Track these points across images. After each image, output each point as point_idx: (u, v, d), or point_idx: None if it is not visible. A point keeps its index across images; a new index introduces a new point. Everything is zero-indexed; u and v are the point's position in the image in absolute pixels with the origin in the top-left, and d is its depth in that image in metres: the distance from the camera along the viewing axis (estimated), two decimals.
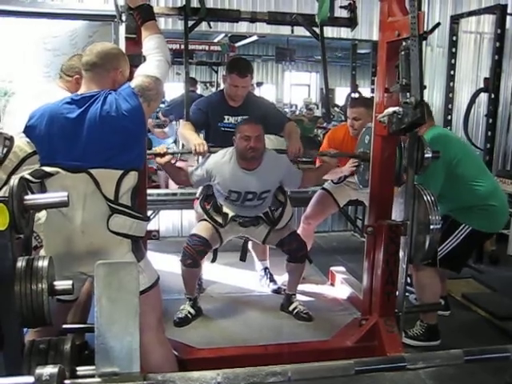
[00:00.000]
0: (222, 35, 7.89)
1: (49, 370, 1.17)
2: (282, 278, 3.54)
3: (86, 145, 2.00)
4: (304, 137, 4.26)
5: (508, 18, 4.81)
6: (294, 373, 1.26)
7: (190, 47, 4.90)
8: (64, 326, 2.19)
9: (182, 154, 4.08)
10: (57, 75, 2.93)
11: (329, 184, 3.75)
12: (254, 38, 8.49)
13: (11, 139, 2.29)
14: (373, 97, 2.90)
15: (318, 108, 10.55)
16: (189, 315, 3.10)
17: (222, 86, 3.68)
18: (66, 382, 1.20)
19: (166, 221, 5.09)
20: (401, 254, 2.70)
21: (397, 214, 2.77)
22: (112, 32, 4.37)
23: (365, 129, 3.15)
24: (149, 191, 2.97)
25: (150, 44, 2.23)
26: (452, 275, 3.40)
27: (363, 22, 4.80)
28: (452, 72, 5.20)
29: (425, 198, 2.58)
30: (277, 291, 3.53)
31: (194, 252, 3.01)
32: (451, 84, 5.23)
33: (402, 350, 2.66)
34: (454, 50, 5.17)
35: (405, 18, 2.39)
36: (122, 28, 2.68)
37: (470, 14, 5.15)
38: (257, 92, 8.73)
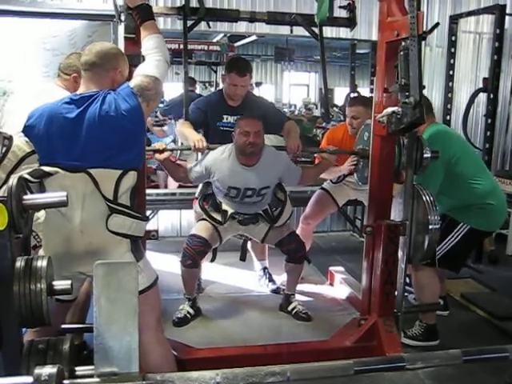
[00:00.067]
0: (221, 35, 7.89)
1: (48, 370, 1.17)
2: (281, 278, 3.53)
3: (84, 144, 2.00)
4: (303, 137, 4.26)
5: (507, 18, 4.82)
6: (293, 373, 1.26)
7: (189, 47, 4.88)
8: (63, 325, 2.19)
9: (181, 155, 4.08)
10: (56, 75, 2.93)
11: (328, 184, 3.75)
12: (253, 37, 8.49)
13: (10, 138, 2.29)
14: (372, 97, 2.90)
15: (317, 108, 10.54)
16: (188, 315, 3.10)
17: (221, 86, 3.68)
18: (64, 382, 1.20)
19: (164, 221, 5.09)
20: (400, 253, 2.70)
21: (396, 213, 2.77)
22: (111, 32, 4.36)
23: (364, 126, 3.15)
24: (148, 191, 2.97)
25: (149, 44, 2.23)
26: (451, 275, 3.40)
27: (362, 22, 4.82)
28: (451, 72, 5.21)
29: (424, 198, 2.58)
30: (276, 291, 3.53)
31: (194, 253, 3.01)
32: (450, 84, 5.24)
33: (401, 349, 2.66)
34: (453, 50, 5.18)
35: (404, 18, 2.39)
36: (121, 28, 2.68)
37: (469, 14, 5.15)
38: (256, 92, 8.71)
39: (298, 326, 3.10)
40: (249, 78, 3.26)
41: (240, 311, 3.29)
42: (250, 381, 1.23)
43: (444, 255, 3.01)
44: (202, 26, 3.23)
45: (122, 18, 2.57)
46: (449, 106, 5.24)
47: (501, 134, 5.50)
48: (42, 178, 1.98)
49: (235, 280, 3.76)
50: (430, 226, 2.54)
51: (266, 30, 4.80)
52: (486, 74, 5.02)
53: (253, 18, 3.30)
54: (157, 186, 5.62)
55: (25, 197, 1.59)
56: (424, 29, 2.32)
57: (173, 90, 7.40)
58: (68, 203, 1.67)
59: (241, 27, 4.80)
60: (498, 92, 4.80)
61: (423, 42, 2.61)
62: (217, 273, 3.75)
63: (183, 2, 3.00)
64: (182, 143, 3.96)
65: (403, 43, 2.35)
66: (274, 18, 3.29)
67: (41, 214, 2.19)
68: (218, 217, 3.11)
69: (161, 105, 6.31)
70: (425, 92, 2.47)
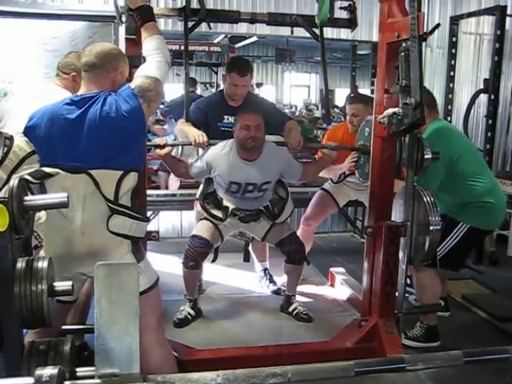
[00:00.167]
0: (222, 36, 7.88)
1: (48, 371, 1.17)
2: (282, 279, 3.53)
3: (85, 146, 2.00)
4: (304, 138, 4.26)
5: (508, 19, 4.82)
6: (293, 374, 1.26)
7: (190, 48, 4.90)
8: (63, 326, 2.19)
9: (182, 155, 4.08)
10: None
11: (328, 184, 3.75)
12: (254, 38, 8.48)
13: (11, 139, 2.29)
14: (372, 97, 2.90)
15: (317, 109, 10.54)
16: (188, 316, 3.10)
17: (221, 87, 3.68)
18: (65, 383, 1.20)
19: (165, 222, 5.09)
20: (400, 254, 2.70)
21: (396, 214, 2.77)
22: (112, 33, 4.37)
23: (364, 122, 3.16)
24: (148, 192, 2.96)
25: (150, 45, 2.23)
26: (452, 276, 3.40)
27: (363, 23, 4.81)
28: (452, 73, 5.21)
29: (424, 199, 2.58)
30: (276, 292, 3.53)
31: (196, 254, 3.01)
32: (451, 85, 5.24)
33: (402, 351, 2.66)
34: (453, 51, 5.18)
35: (405, 19, 2.39)
36: (122, 29, 2.68)
37: (470, 15, 5.15)
38: (256, 93, 8.72)
39: (299, 327, 3.11)
40: (249, 78, 3.27)
41: (241, 312, 3.29)
42: (250, 382, 1.22)
43: (445, 255, 3.01)
44: (203, 27, 3.24)
45: (123, 19, 2.57)
46: (449, 106, 5.24)
47: (501, 135, 5.50)
48: (42, 179, 1.98)
49: (236, 281, 3.76)
50: (431, 227, 2.54)
51: (266, 31, 4.80)
52: (486, 74, 5.02)
53: (253, 19, 3.30)
54: (157, 187, 5.62)
55: (26, 198, 1.59)
56: (425, 30, 2.33)
57: (173, 90, 7.40)
58: (69, 204, 1.66)
59: (241, 28, 4.81)
60: (499, 93, 4.80)
61: (424, 43, 2.62)
62: (217, 274, 3.75)
63: (184, 4, 3.01)
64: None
65: (404, 44, 2.35)
66: (274, 19, 3.28)
67: (42, 214, 2.19)
68: (219, 214, 3.10)
69: (161, 106, 6.32)
70: None
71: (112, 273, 1.22)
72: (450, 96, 5.25)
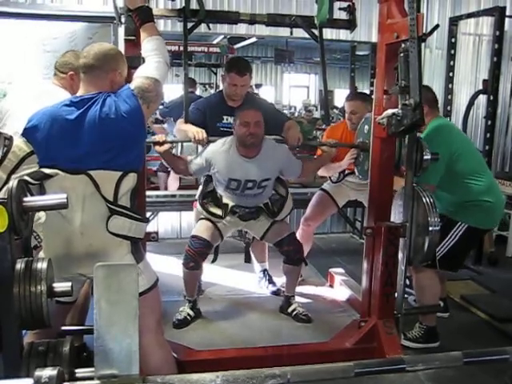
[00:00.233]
0: (221, 37, 7.88)
1: (48, 372, 1.17)
2: (281, 280, 3.53)
3: (85, 146, 2.00)
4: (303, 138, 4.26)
5: (507, 19, 4.82)
6: (293, 375, 1.26)
7: (189, 49, 4.89)
8: (63, 327, 2.19)
9: (181, 153, 4.08)
10: None
11: (327, 184, 3.75)
12: (253, 39, 8.48)
13: (10, 139, 2.28)
14: (371, 93, 2.90)
15: (317, 110, 10.55)
16: (188, 317, 3.10)
17: (221, 88, 3.68)
18: None
19: (164, 222, 5.09)
20: (400, 255, 2.70)
21: (396, 215, 2.77)
22: (111, 34, 4.37)
23: (364, 119, 3.17)
24: (148, 193, 2.97)
25: (149, 46, 2.23)
26: (451, 276, 3.40)
27: (362, 24, 4.83)
28: (451, 74, 5.22)
29: (424, 200, 2.58)
30: (276, 293, 3.53)
31: (196, 255, 3.01)
32: (450, 86, 5.24)
33: (401, 351, 2.66)
34: (452, 51, 5.19)
35: (404, 19, 2.39)
36: (122, 30, 2.68)
37: (469, 15, 5.16)
38: (256, 93, 8.72)
39: (298, 328, 3.10)
40: (249, 78, 3.26)
41: (240, 313, 3.29)
42: (250, 383, 1.22)
43: (443, 256, 3.00)
44: (202, 27, 3.24)
45: (122, 19, 2.57)
46: (449, 107, 5.25)
47: (500, 136, 5.51)
48: (42, 180, 1.98)
49: (235, 282, 3.76)
50: (430, 228, 2.54)
51: (265, 32, 4.79)
52: (485, 75, 5.02)
53: (253, 20, 3.30)
54: (157, 188, 5.63)
55: (25, 199, 1.58)
56: (424, 31, 2.33)
57: (173, 91, 7.40)
58: (68, 205, 1.66)
59: (241, 29, 4.81)
60: (498, 94, 4.81)
61: (423, 44, 2.62)
62: (217, 275, 3.75)
63: (183, 4, 3.01)
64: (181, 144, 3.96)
65: (403, 45, 2.36)
66: (273, 20, 3.29)
67: (42, 214, 2.18)
68: (219, 212, 3.10)
69: (160, 106, 6.32)
70: None
71: (111, 274, 1.22)
72: (449, 97, 5.25)
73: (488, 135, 4.76)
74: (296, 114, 10.36)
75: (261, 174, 3.01)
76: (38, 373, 1.16)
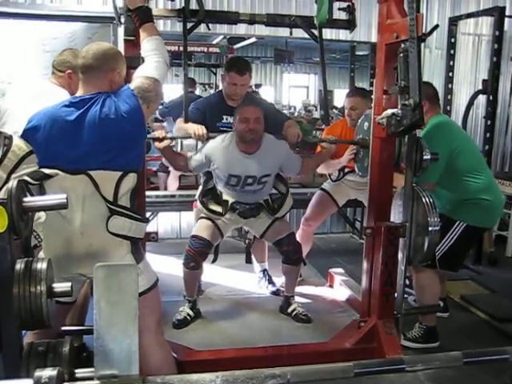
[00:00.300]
0: (221, 37, 7.89)
1: (48, 372, 1.16)
2: (281, 280, 3.53)
3: (85, 147, 2.00)
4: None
5: (506, 20, 4.82)
6: (293, 375, 1.26)
7: (189, 49, 4.89)
8: (63, 328, 2.19)
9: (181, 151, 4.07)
10: None
11: (327, 184, 3.76)
12: (253, 39, 8.49)
13: (10, 138, 2.28)
14: (370, 90, 2.91)
15: (316, 110, 10.56)
16: (188, 317, 3.10)
17: (220, 87, 3.69)
18: None
19: (164, 223, 5.09)
20: (399, 255, 2.70)
21: (395, 215, 2.77)
22: (111, 34, 4.37)
23: (364, 116, 3.17)
24: (147, 193, 2.97)
25: (149, 46, 2.23)
26: (451, 276, 3.40)
27: (362, 24, 4.83)
28: (450, 74, 5.22)
29: (423, 200, 2.58)
30: (275, 293, 3.53)
31: (197, 255, 3.01)
32: (450, 86, 5.25)
33: (401, 352, 2.66)
34: (452, 51, 5.19)
35: (403, 20, 2.39)
36: (121, 30, 2.68)
37: (469, 16, 5.16)
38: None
39: (298, 328, 3.10)
40: (248, 77, 3.27)
41: (240, 313, 3.28)
42: (250, 383, 1.22)
43: (443, 255, 3.01)
44: (202, 28, 3.24)
45: (122, 20, 2.57)
46: (448, 107, 5.25)
47: (500, 136, 5.51)
48: (41, 180, 1.98)
49: (235, 282, 3.76)
50: (430, 228, 2.54)
51: (265, 32, 4.80)
52: (485, 75, 5.03)
53: (252, 20, 3.30)
54: (157, 188, 5.63)
55: (25, 199, 1.58)
56: (423, 31, 2.33)
57: (172, 91, 7.41)
58: (68, 205, 1.66)
59: (240, 29, 4.81)
60: (498, 94, 4.81)
61: (422, 44, 2.62)
62: (217, 275, 3.75)
63: (183, 5, 3.01)
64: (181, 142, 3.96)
65: (403, 45, 2.36)
66: (273, 20, 3.29)
67: (42, 214, 2.18)
68: (219, 209, 3.11)
69: (160, 106, 6.32)
70: None
71: (111, 274, 1.22)
72: (449, 97, 5.25)
73: (488, 135, 4.76)
74: (296, 114, 10.36)
75: (261, 169, 3.01)
76: (37, 373, 1.16)
